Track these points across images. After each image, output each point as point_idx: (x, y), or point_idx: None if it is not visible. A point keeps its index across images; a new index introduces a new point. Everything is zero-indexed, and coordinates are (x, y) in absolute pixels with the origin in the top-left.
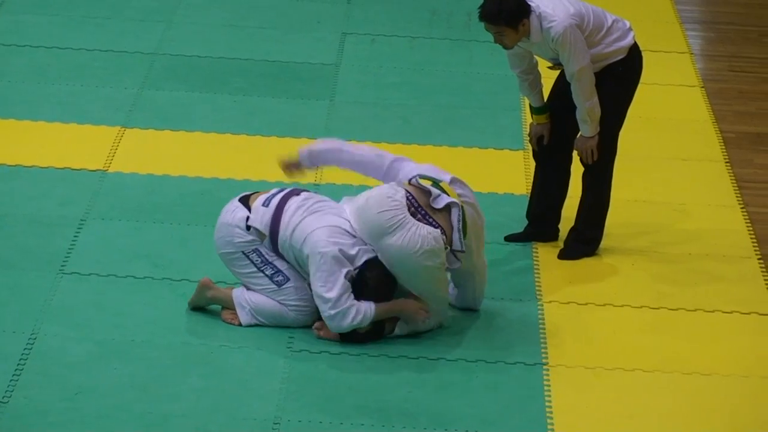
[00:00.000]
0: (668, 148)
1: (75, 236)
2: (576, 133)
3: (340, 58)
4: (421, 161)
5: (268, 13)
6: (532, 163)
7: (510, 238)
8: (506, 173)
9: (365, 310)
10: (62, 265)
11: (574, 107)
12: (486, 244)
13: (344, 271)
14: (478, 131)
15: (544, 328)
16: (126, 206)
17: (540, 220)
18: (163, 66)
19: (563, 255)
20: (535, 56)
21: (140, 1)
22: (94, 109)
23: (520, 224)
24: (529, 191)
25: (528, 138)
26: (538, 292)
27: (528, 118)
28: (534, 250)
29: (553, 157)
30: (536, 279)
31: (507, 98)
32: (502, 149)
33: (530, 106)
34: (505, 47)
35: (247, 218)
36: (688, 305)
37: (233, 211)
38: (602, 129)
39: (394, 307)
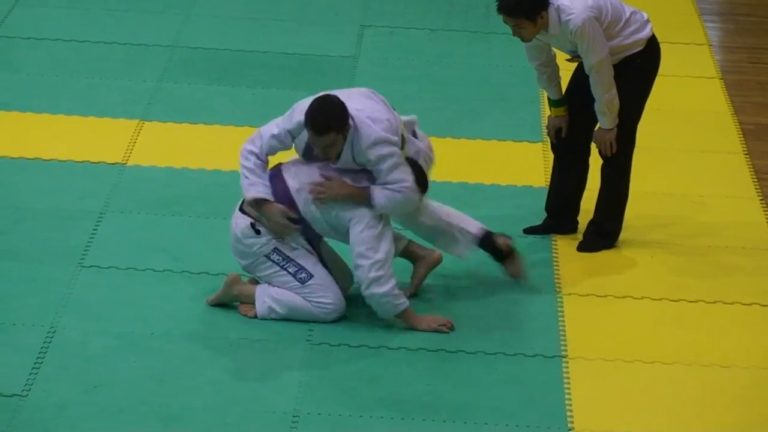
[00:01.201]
0: (687, 140)
1: (94, 229)
2: (594, 126)
3: (359, 51)
4: (440, 154)
5: (287, 6)
6: (551, 156)
7: (529, 231)
8: (525, 166)
9: (402, 294)
10: (81, 259)
11: (592, 100)
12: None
13: (390, 232)
14: (496, 123)
15: (564, 321)
16: (145, 199)
17: (559, 212)
18: (182, 59)
19: (582, 247)
20: (553, 49)
21: None
22: (112, 102)
23: (538, 217)
24: (548, 184)
25: (546, 130)
26: (557, 285)
27: (547, 111)
28: (553, 242)
29: (572, 149)
30: (555, 271)
31: (525, 90)
32: (520, 141)
33: (548, 99)
34: (524, 40)
35: (252, 224)
36: (708, 297)
37: (236, 224)
38: (621, 121)
39: (423, 321)
